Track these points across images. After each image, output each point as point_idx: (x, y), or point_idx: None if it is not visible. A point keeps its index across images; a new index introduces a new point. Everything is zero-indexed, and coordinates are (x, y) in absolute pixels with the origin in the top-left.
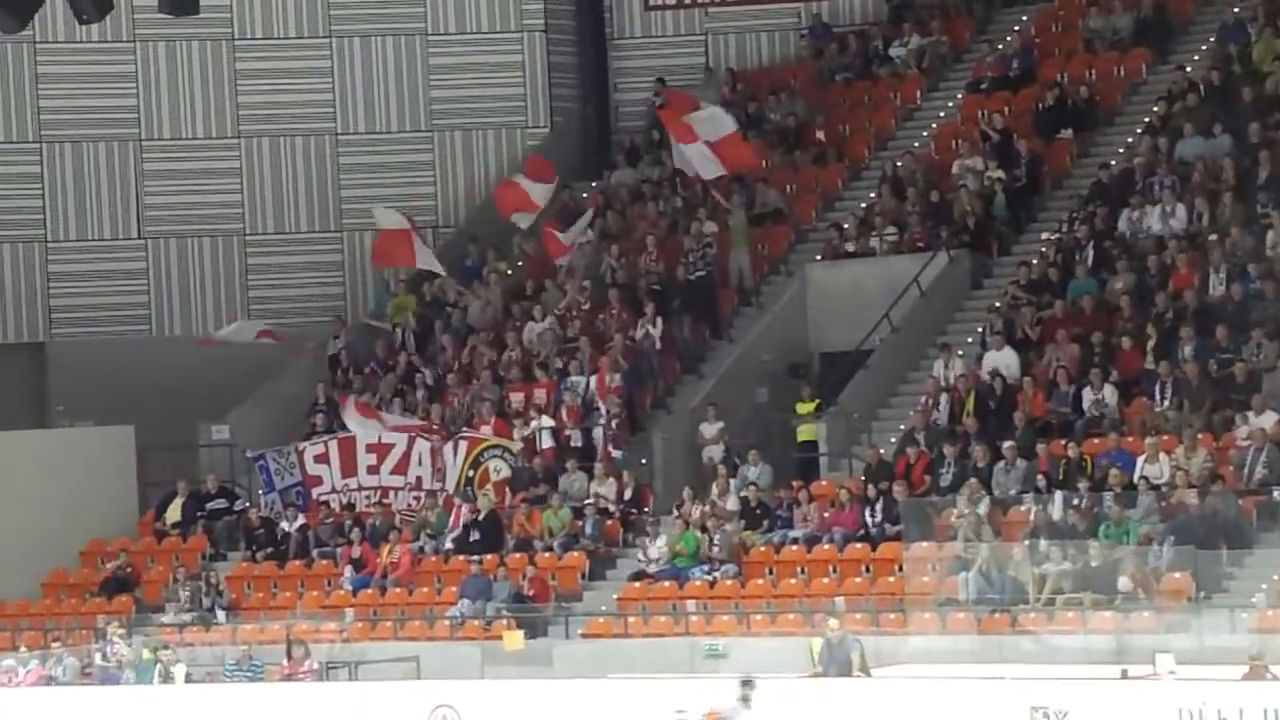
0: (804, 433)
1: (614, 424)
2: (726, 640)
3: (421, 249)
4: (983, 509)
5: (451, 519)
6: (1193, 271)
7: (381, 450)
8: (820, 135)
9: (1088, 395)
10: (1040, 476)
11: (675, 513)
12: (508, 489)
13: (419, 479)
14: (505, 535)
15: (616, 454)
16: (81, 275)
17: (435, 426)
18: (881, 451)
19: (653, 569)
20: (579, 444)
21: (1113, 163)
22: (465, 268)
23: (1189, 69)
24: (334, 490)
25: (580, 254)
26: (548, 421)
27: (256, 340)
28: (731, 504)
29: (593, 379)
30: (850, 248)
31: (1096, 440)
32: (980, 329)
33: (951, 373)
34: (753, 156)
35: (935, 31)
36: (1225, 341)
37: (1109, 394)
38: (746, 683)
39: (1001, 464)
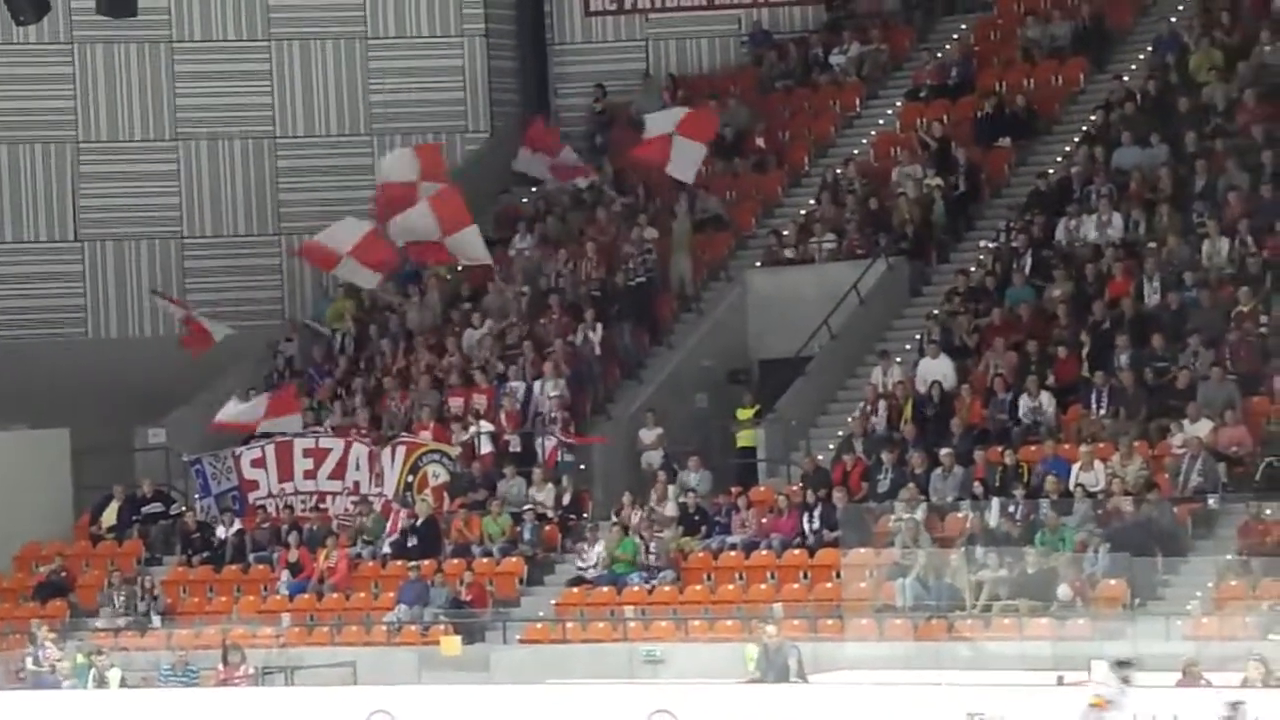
0: (743, 439)
1: (562, 428)
2: (664, 646)
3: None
4: (920, 515)
5: (389, 524)
6: (1129, 280)
7: (319, 455)
8: (760, 142)
9: (1024, 403)
10: (977, 483)
11: (614, 518)
12: (446, 494)
13: (356, 484)
14: (443, 540)
15: (567, 458)
16: (17, 277)
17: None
18: (820, 458)
19: (591, 574)
20: (518, 449)
21: (1050, 171)
22: (404, 273)
23: (1126, 78)
24: (270, 495)
25: (521, 260)
26: (487, 426)
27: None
28: (670, 510)
29: (534, 384)
30: (790, 254)
31: (1033, 448)
32: (918, 336)
33: (890, 379)
34: (714, 119)
35: (875, 40)
36: (1161, 350)
37: (1046, 401)
38: (1125, 663)
39: (939, 471)
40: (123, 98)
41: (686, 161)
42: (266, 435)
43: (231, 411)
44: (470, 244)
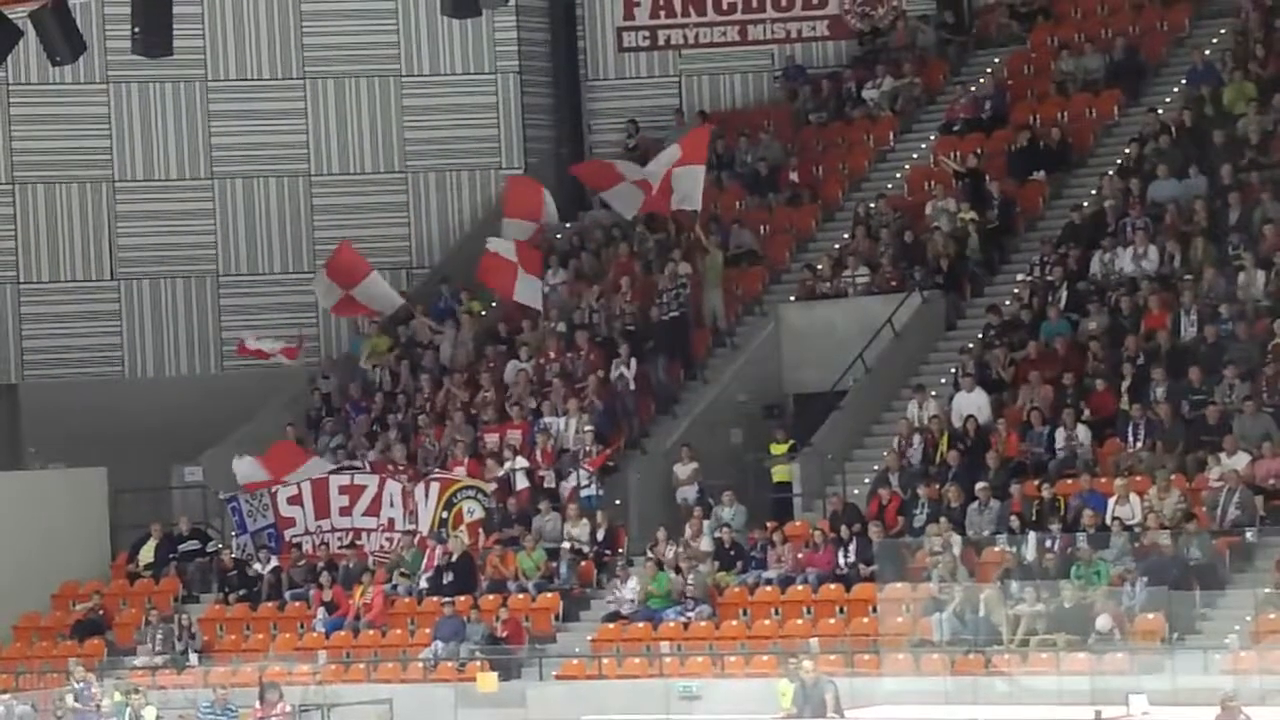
0: (777, 474)
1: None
2: (701, 682)
3: (525, 282)
4: (956, 550)
5: (425, 560)
6: (1165, 313)
7: (354, 492)
8: (794, 177)
9: (1060, 436)
10: (1013, 517)
11: (649, 554)
12: (481, 530)
13: (391, 520)
14: (479, 576)
15: (598, 492)
16: (54, 317)
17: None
18: (855, 492)
19: (626, 610)
20: (552, 485)
21: (1085, 204)
22: (437, 308)
23: (1160, 111)
24: (307, 532)
25: (555, 295)
26: (522, 462)
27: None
28: (705, 545)
29: (567, 420)
30: (824, 288)
31: (1069, 481)
32: (953, 370)
33: (925, 414)
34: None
35: (908, 74)
36: (1198, 383)
37: (1082, 435)
38: None
39: (975, 505)
40: (158, 137)
41: (688, 189)
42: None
43: (246, 472)
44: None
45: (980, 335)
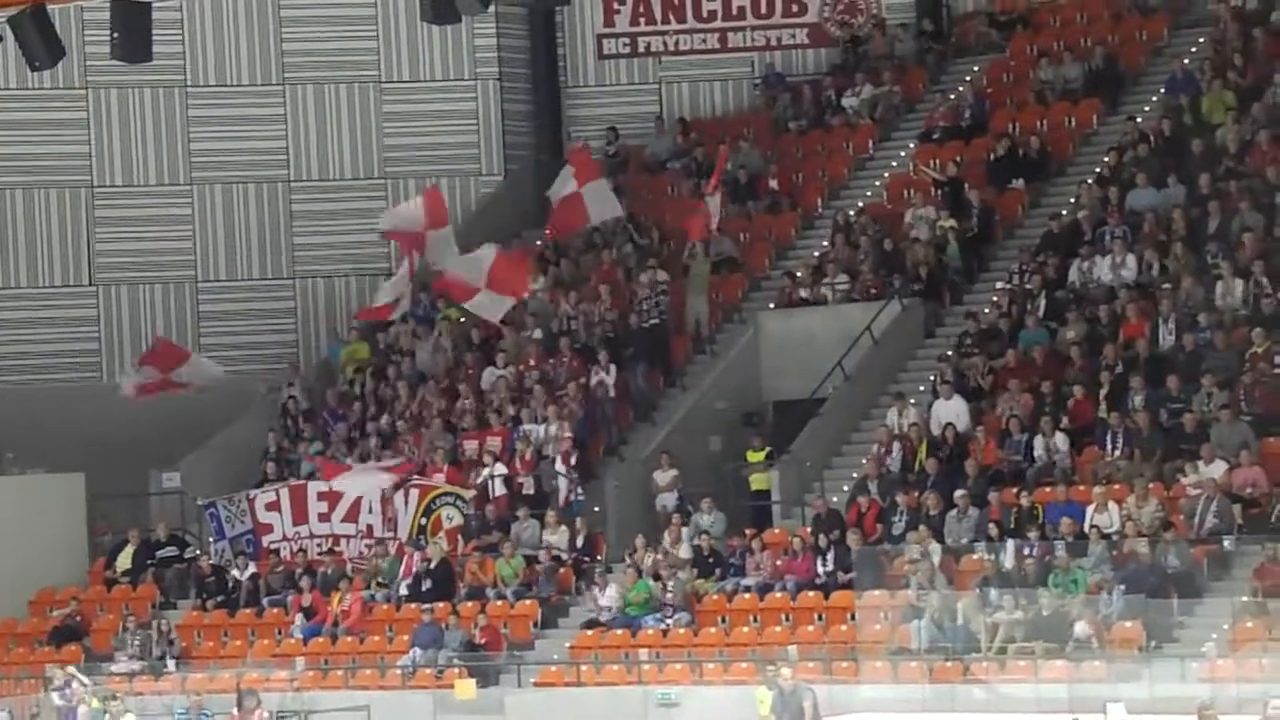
0: (757, 481)
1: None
2: (679, 689)
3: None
4: (935, 557)
5: (403, 567)
6: (1143, 321)
7: (332, 498)
8: (773, 184)
9: (1039, 444)
10: (992, 525)
11: (628, 561)
12: (460, 537)
13: (370, 527)
14: (457, 583)
15: (579, 498)
16: (32, 322)
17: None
18: (834, 500)
19: (605, 617)
20: (531, 491)
21: (1064, 213)
22: (415, 315)
23: (1139, 120)
24: (285, 538)
25: (534, 302)
26: (500, 469)
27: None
28: (684, 552)
29: (546, 427)
30: (803, 295)
31: (1048, 489)
32: (932, 378)
33: (904, 421)
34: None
35: (888, 82)
36: (1176, 391)
37: (1060, 443)
38: None
39: (954, 512)
40: (137, 142)
41: (602, 204)
42: (281, 479)
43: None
44: (496, 307)
45: (956, 344)
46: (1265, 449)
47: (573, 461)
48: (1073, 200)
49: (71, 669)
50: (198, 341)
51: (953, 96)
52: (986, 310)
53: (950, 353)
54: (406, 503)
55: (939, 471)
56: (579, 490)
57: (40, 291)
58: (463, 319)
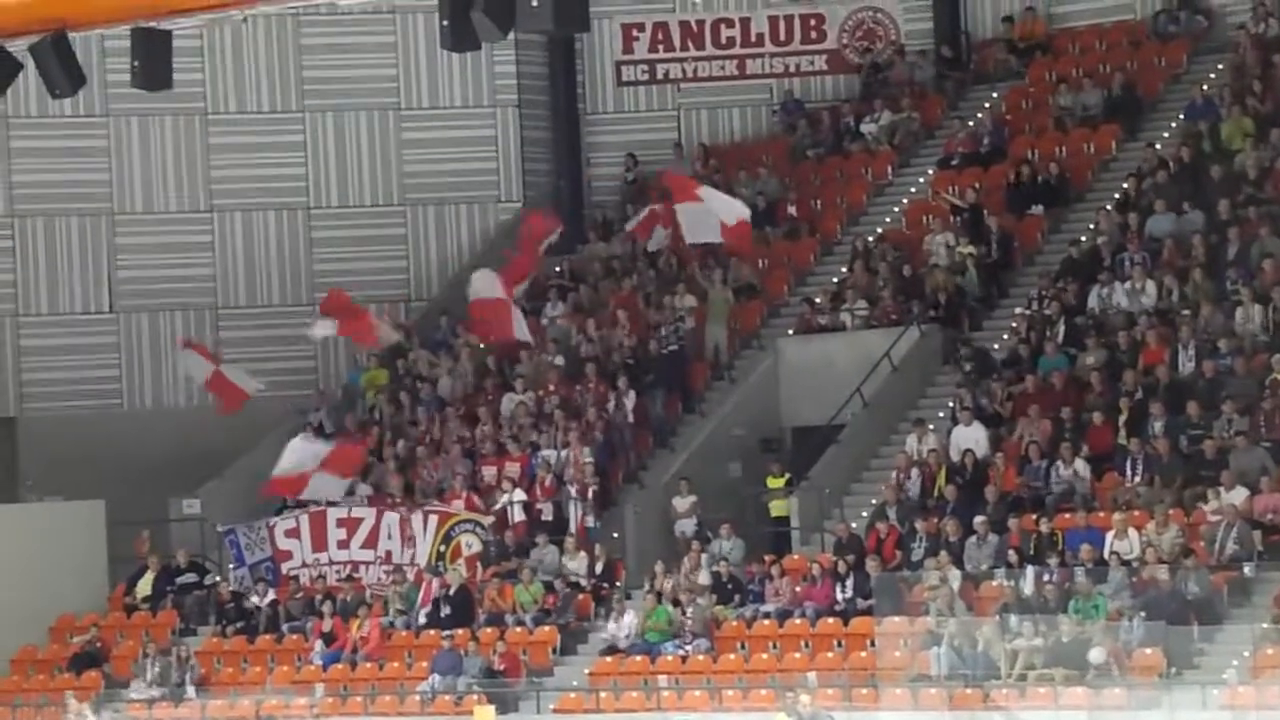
0: (775, 508)
1: (589, 495)
2: (698, 716)
3: (519, 321)
4: (955, 584)
5: (422, 593)
6: (1163, 348)
7: (351, 524)
8: (792, 210)
9: (1059, 470)
10: (1011, 551)
11: (647, 587)
12: (479, 563)
13: (389, 553)
14: (476, 610)
15: (594, 524)
16: (53, 350)
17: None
18: (853, 526)
19: (624, 644)
20: (550, 518)
21: (1083, 239)
22: (434, 341)
23: (1159, 146)
24: (304, 565)
25: (553, 328)
26: (519, 495)
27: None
28: (703, 578)
29: (565, 453)
30: (822, 322)
31: (1067, 515)
32: (951, 404)
33: (923, 447)
34: (747, 244)
35: (906, 108)
36: (1196, 417)
37: (1080, 469)
38: None
39: (973, 539)
40: (158, 169)
41: (702, 223)
42: (301, 505)
43: (290, 460)
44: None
45: (965, 370)
46: None
47: (591, 489)
48: (1092, 226)
49: (86, 708)
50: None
51: (971, 123)
52: (1005, 337)
53: (964, 377)
54: (425, 529)
55: (958, 498)
56: (591, 519)
57: (61, 318)
58: (481, 345)
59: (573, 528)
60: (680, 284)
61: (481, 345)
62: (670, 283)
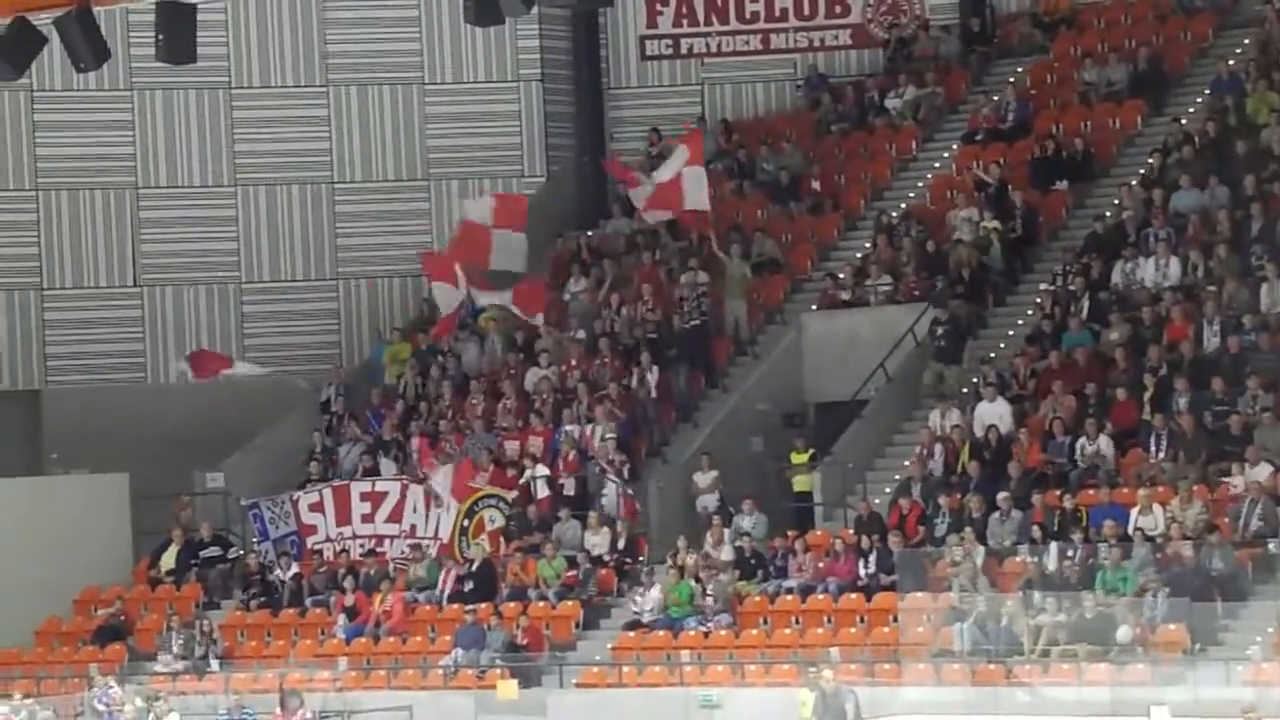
0: (798, 484)
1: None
2: (721, 691)
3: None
4: (978, 560)
5: (441, 580)
6: (1188, 323)
7: (375, 498)
8: (816, 185)
9: (1083, 446)
10: (1035, 527)
11: (669, 562)
12: (502, 538)
13: (413, 527)
14: (499, 584)
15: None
16: (77, 323)
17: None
18: (876, 502)
19: (647, 618)
20: (573, 493)
21: (1108, 214)
22: (461, 316)
23: (1184, 121)
24: (328, 539)
25: (576, 304)
26: (543, 470)
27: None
28: (726, 554)
29: (589, 428)
30: (846, 297)
31: (1091, 491)
32: (975, 380)
33: (947, 423)
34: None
35: (931, 83)
36: (1221, 393)
37: (1104, 445)
38: None
39: (996, 515)
40: (182, 143)
41: (697, 191)
42: (325, 479)
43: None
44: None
45: (1001, 345)
46: None
47: (626, 467)
48: (1116, 202)
49: (110, 680)
50: (241, 342)
51: (996, 98)
52: (1030, 312)
53: (993, 354)
54: (448, 506)
55: (981, 474)
56: (628, 490)
57: (85, 292)
58: (505, 320)
59: (621, 509)
60: (695, 260)
61: (504, 320)
62: (688, 258)
